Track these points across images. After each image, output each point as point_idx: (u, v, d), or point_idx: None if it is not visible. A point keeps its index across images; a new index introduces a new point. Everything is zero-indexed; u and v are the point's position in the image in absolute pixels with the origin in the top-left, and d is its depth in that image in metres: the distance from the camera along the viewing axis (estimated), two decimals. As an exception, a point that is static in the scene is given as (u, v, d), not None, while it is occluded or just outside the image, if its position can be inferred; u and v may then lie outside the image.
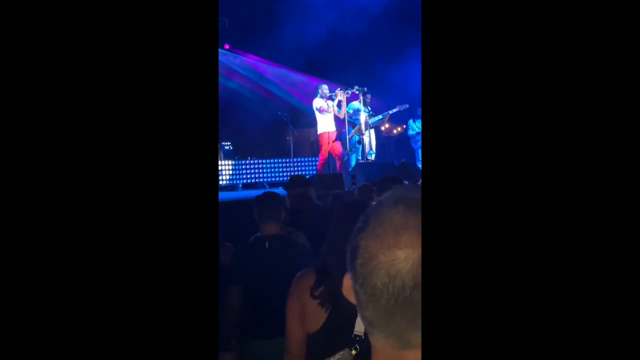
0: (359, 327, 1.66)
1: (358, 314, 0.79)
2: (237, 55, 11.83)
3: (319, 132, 8.61)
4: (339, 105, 8.55)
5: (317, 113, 8.55)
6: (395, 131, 13.68)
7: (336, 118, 8.64)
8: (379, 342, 0.78)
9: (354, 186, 6.85)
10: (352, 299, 0.79)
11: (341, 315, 1.86)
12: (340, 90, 8.56)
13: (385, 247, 0.73)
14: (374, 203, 0.83)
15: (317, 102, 8.51)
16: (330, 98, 8.58)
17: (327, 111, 8.46)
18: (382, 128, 12.48)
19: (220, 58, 11.57)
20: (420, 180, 6.60)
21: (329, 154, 8.68)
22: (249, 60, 11.88)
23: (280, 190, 3.91)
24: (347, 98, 8.55)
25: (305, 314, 2.04)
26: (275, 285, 2.59)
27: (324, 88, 8.57)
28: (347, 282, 0.80)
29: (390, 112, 9.15)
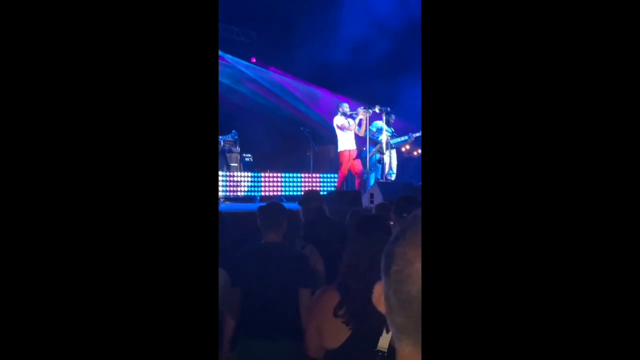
0: (382, 343, 1.65)
1: (387, 322, 0.80)
2: (262, 69, 11.95)
3: (339, 150, 8.62)
4: (360, 124, 8.56)
5: (337, 130, 8.57)
6: (416, 152, 13.65)
7: (357, 136, 8.65)
8: (407, 349, 0.79)
9: (371, 204, 6.83)
10: (381, 308, 0.81)
11: (365, 332, 1.84)
12: (362, 109, 8.58)
13: (420, 255, 0.75)
14: (408, 215, 0.86)
15: (338, 120, 8.54)
16: (352, 116, 8.60)
17: (347, 129, 8.48)
18: (403, 149, 12.45)
19: (246, 71, 11.70)
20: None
21: (349, 171, 8.68)
22: (274, 74, 11.98)
23: (295, 205, 3.93)
24: (368, 117, 8.56)
25: (326, 331, 2.03)
26: (272, 289, 2.85)
27: (345, 106, 8.60)
28: (378, 290, 0.81)
29: (414, 135, 9.15)
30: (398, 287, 0.76)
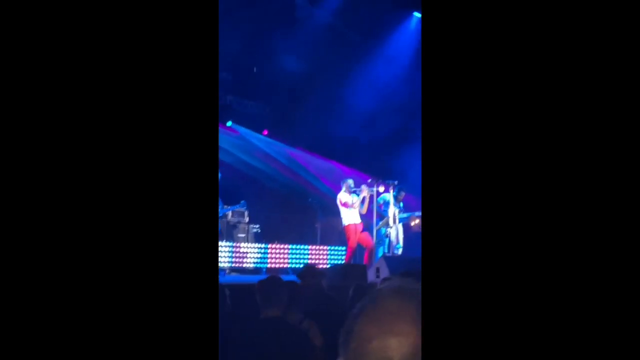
0: None
1: None
2: (274, 141, 12.15)
3: (344, 224, 8.59)
4: (363, 201, 8.55)
5: (340, 207, 8.57)
6: (425, 227, 13.56)
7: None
8: None
9: (377, 279, 6.73)
10: None
11: None
12: (366, 186, 8.60)
13: (381, 333, 0.75)
14: (371, 291, 0.86)
15: (342, 196, 8.55)
16: (355, 192, 8.61)
17: (350, 206, 8.47)
18: (412, 224, 12.39)
19: (257, 143, 11.90)
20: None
21: (358, 245, 8.61)
22: (285, 147, 12.16)
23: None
24: (370, 195, 8.57)
25: None
26: None
27: (349, 182, 8.65)
28: None
29: (417, 214, 9.16)
30: None
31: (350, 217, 8.52)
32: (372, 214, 8.65)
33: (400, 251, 8.91)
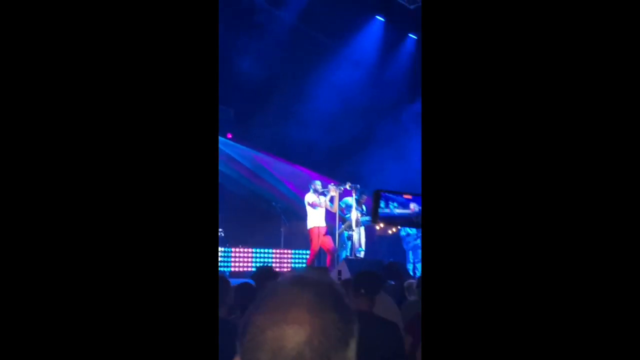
0: None
1: None
2: (238, 144, 12.07)
3: (308, 227, 8.61)
4: (332, 200, 8.59)
5: (308, 207, 8.58)
6: (390, 231, 13.64)
7: (327, 214, 8.65)
8: None
9: (339, 281, 6.72)
10: None
11: None
12: (333, 185, 8.63)
13: (274, 323, 0.75)
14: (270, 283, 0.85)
15: (309, 197, 8.57)
16: (323, 194, 8.63)
17: (318, 206, 8.50)
18: (377, 227, 12.46)
19: (221, 146, 11.81)
20: (407, 281, 6.49)
21: (320, 248, 8.62)
22: (249, 150, 12.10)
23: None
24: (339, 194, 8.60)
25: None
26: None
27: (317, 183, 8.68)
28: None
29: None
30: (250, 357, 0.75)
31: (315, 219, 8.52)
32: (335, 217, 8.66)
33: (362, 254, 8.93)
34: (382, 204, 1.13)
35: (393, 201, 1.11)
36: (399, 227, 11.24)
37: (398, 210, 1.11)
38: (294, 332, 0.74)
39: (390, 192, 1.17)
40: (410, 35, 11.48)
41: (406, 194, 1.13)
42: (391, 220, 1.24)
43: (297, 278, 0.83)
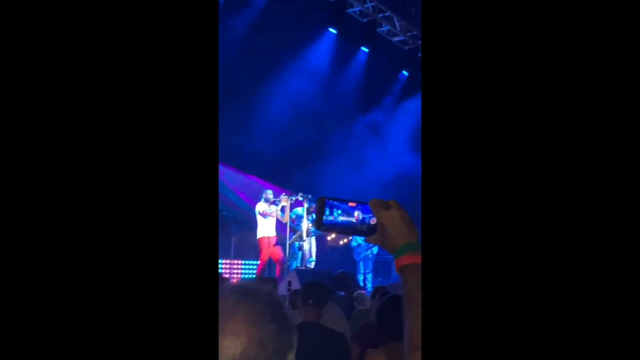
0: None
1: None
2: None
3: (258, 236, 8.56)
4: (283, 210, 8.57)
5: (259, 217, 8.53)
6: (341, 242, 13.69)
7: (278, 223, 8.62)
8: None
9: (288, 292, 6.69)
10: None
11: None
12: (285, 195, 8.63)
13: None
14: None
15: (261, 206, 8.53)
16: (274, 203, 8.60)
17: (269, 215, 8.46)
18: (328, 238, 12.48)
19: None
20: (356, 292, 6.52)
21: (270, 258, 8.56)
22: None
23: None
24: (291, 204, 8.60)
25: None
26: None
27: (269, 193, 8.65)
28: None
29: None
30: None
31: (265, 229, 8.47)
32: (286, 228, 8.64)
33: (312, 264, 8.93)
34: (326, 212, 1.14)
35: (337, 208, 1.13)
36: (349, 237, 11.31)
37: (342, 218, 1.12)
38: (230, 343, 0.74)
39: (334, 199, 1.19)
40: (363, 48, 11.62)
41: (351, 201, 1.15)
42: (335, 227, 1.25)
43: (236, 288, 0.83)
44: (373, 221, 1.12)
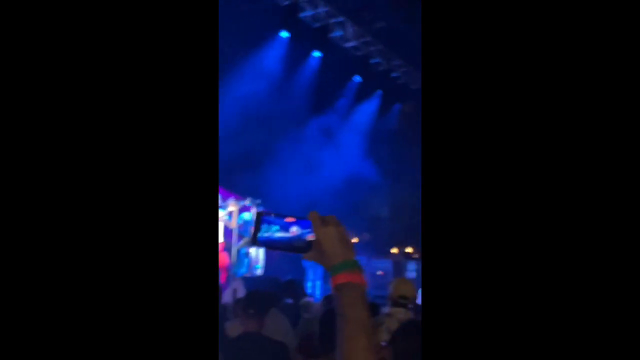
0: None
1: None
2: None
3: (204, 242, 8.32)
4: (230, 215, 8.39)
5: (205, 221, 8.31)
6: (291, 248, 13.57)
7: (226, 229, 8.42)
8: None
9: (233, 300, 6.50)
10: None
11: None
12: (233, 200, 8.45)
13: None
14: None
15: (207, 211, 8.31)
16: (222, 207, 8.41)
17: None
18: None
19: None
20: (302, 299, 6.39)
21: (216, 265, 8.37)
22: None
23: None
24: (239, 209, 8.43)
25: None
26: None
27: (216, 196, 8.45)
28: None
29: None
30: None
31: (210, 235, 8.26)
32: (232, 233, 8.46)
33: (259, 271, 8.76)
34: (263, 227, 1.07)
35: (274, 224, 1.06)
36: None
37: (278, 234, 1.05)
38: None
39: (272, 214, 1.11)
40: (315, 52, 11.55)
41: (289, 216, 1.08)
42: (270, 244, 1.18)
43: None
44: (310, 237, 1.11)
